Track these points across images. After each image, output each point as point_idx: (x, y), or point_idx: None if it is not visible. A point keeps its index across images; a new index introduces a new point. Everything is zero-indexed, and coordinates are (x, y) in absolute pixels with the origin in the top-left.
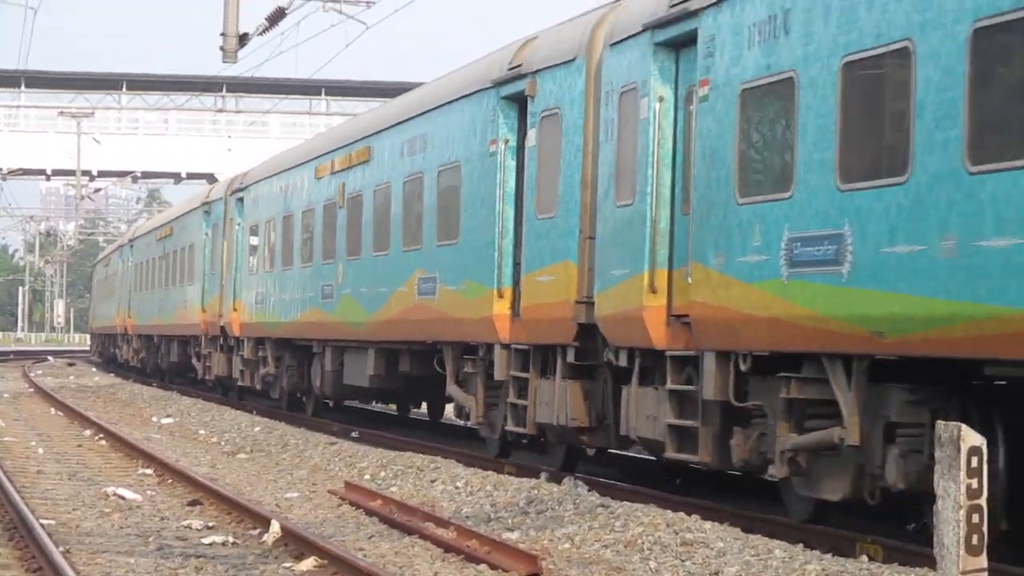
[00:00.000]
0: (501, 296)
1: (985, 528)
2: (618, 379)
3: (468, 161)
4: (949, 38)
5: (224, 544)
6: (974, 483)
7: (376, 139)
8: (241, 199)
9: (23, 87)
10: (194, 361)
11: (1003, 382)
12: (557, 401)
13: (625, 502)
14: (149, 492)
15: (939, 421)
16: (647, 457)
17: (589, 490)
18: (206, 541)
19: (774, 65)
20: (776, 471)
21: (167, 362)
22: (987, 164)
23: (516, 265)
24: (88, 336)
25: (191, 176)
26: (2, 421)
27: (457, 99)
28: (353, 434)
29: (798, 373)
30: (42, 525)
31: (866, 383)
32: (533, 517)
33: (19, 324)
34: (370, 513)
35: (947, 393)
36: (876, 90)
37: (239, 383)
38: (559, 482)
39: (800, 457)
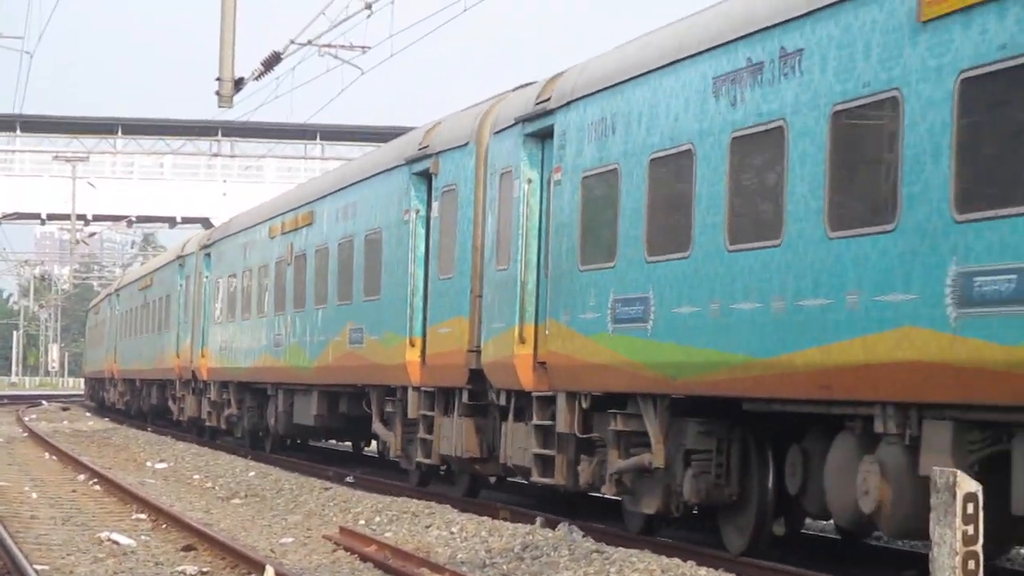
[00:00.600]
0: (413, 345)
1: (982, 574)
2: (502, 416)
3: (388, 227)
4: (716, 144)
5: None
6: (970, 529)
7: (318, 204)
8: (209, 254)
9: (18, 131)
10: (170, 403)
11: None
12: (455, 436)
13: (620, 548)
14: (143, 537)
15: (934, 467)
16: (520, 480)
17: (584, 536)
18: None
19: (604, 158)
20: (607, 490)
21: (148, 404)
22: (738, 244)
23: (425, 319)
24: (82, 380)
25: (186, 220)
26: None
27: (379, 173)
28: (348, 479)
29: (623, 410)
30: (36, 571)
31: (668, 417)
32: (528, 563)
33: (13, 368)
34: (365, 559)
35: (731, 425)
36: (671, 181)
37: (207, 423)
38: (554, 528)
39: (625, 478)
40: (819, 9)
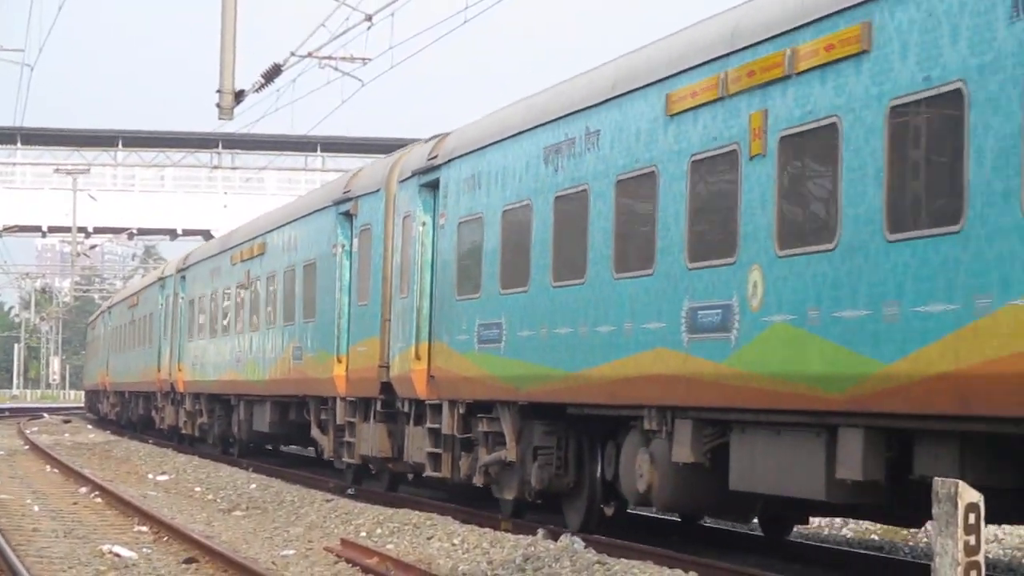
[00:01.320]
0: (339, 361)
1: None
2: (406, 421)
3: (320, 259)
4: (545, 201)
5: None
6: (972, 540)
7: (269, 236)
8: (184, 276)
9: (19, 144)
10: (153, 413)
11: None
12: (372, 438)
13: (622, 559)
14: (145, 550)
15: (936, 478)
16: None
17: (586, 547)
18: None
19: (473, 208)
20: (477, 480)
21: (136, 415)
22: (559, 282)
23: (349, 339)
24: (83, 393)
25: (187, 233)
26: None
27: (315, 211)
28: (349, 491)
29: (488, 414)
30: None
31: (520, 420)
32: (530, 574)
33: (14, 381)
34: (367, 571)
35: (567, 426)
36: (517, 229)
37: (182, 431)
38: (556, 539)
39: (491, 470)
40: (609, 99)
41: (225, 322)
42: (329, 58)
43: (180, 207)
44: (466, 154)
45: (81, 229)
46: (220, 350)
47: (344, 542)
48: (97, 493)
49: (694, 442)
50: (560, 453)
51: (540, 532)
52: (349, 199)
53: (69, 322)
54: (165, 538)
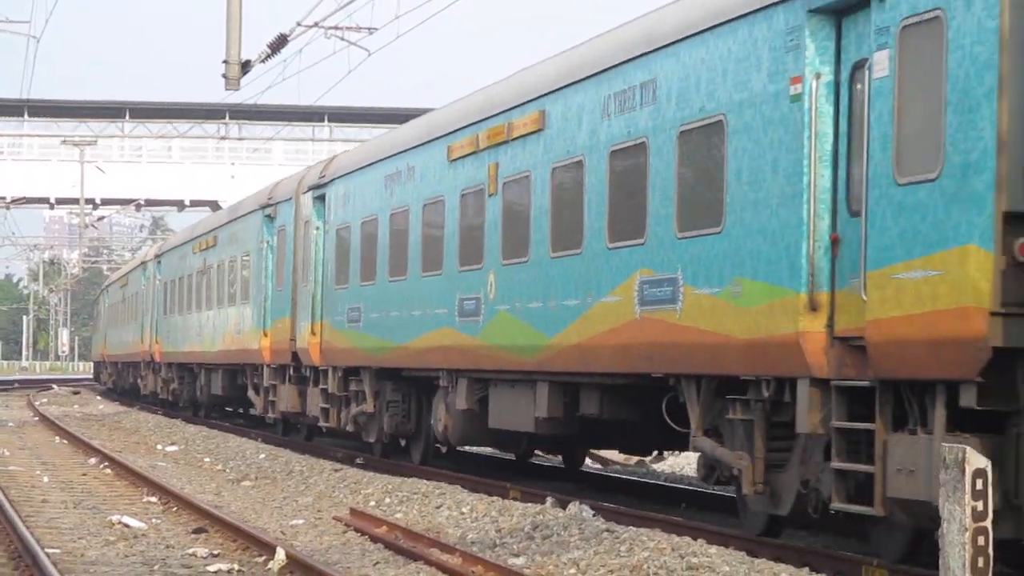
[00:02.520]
0: (266, 336)
1: (991, 550)
2: (309, 383)
3: (253, 252)
4: (385, 216)
5: (229, 572)
6: (979, 505)
7: (219, 231)
8: (160, 261)
9: (26, 116)
10: (138, 381)
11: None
12: (287, 398)
13: (631, 527)
14: (154, 520)
15: (944, 444)
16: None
17: (594, 515)
18: (211, 569)
19: (345, 218)
20: (349, 428)
21: (127, 383)
22: (394, 277)
23: (272, 317)
24: (92, 364)
25: (195, 203)
26: (7, 450)
27: (248, 213)
28: (358, 460)
29: (357, 377)
30: (47, 554)
31: (376, 381)
32: (539, 542)
33: (24, 353)
34: (375, 539)
35: (410, 385)
36: (370, 236)
37: (160, 396)
38: (564, 507)
39: (358, 419)
40: (419, 145)
41: (189, 302)
42: (335, 28)
43: (188, 178)
44: (342, 176)
45: (89, 201)
46: (187, 325)
47: (353, 511)
48: (106, 464)
49: (468, 394)
50: (404, 406)
51: (549, 500)
52: (271, 204)
53: (78, 294)
54: (174, 508)
